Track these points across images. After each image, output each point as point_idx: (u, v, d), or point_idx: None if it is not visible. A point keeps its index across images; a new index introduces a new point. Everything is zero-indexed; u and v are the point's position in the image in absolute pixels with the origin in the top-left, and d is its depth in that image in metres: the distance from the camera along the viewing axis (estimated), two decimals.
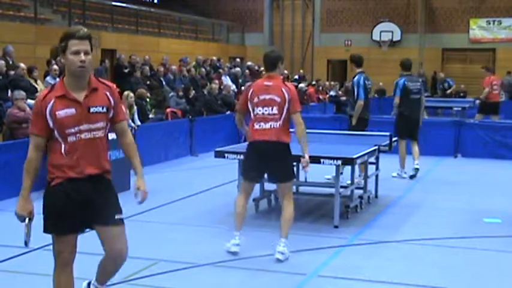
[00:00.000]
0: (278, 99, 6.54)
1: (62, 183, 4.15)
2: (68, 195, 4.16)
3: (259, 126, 6.59)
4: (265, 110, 6.58)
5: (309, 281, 6.04)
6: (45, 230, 4.26)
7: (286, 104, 6.53)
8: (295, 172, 7.02)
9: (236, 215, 6.83)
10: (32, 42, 17.13)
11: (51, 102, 4.10)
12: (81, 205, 4.20)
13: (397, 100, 11.64)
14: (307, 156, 6.67)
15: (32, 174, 4.17)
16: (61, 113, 4.10)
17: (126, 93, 13.26)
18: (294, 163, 8.55)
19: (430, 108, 22.04)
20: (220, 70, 21.39)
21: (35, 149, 4.15)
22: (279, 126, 6.54)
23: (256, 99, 6.63)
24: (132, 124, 12.63)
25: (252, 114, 6.67)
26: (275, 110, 6.54)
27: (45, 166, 4.25)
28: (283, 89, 6.57)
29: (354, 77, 10.66)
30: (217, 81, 18.52)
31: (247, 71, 23.24)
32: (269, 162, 6.57)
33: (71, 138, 4.12)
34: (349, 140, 9.62)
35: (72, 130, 4.11)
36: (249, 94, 6.72)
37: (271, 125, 6.55)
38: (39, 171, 4.21)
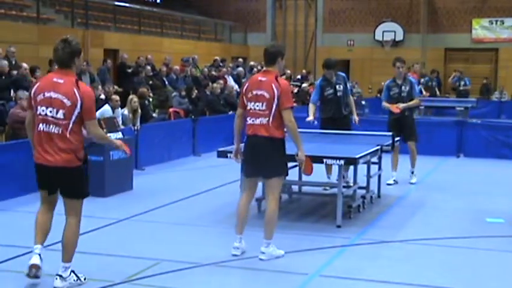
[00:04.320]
0: (267, 95, 6.48)
1: None
2: None
3: (252, 121, 6.58)
4: (256, 106, 6.54)
5: (311, 280, 6.03)
6: None
7: (275, 100, 6.44)
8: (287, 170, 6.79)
9: (237, 217, 6.77)
10: (34, 42, 17.12)
11: None
12: None
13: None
14: (300, 153, 6.60)
15: None
16: None
17: (130, 97, 13.20)
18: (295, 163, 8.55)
19: (432, 108, 22.05)
20: (224, 69, 21.34)
21: None
22: (268, 122, 6.48)
23: (250, 94, 6.61)
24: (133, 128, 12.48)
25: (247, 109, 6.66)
26: (264, 106, 6.49)
27: None
28: (274, 85, 6.48)
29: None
30: (221, 81, 18.48)
31: (254, 69, 23.16)
32: (259, 156, 6.52)
33: None
34: (352, 139, 9.61)
35: None
36: (244, 89, 6.72)
37: (260, 121, 6.51)
38: None
